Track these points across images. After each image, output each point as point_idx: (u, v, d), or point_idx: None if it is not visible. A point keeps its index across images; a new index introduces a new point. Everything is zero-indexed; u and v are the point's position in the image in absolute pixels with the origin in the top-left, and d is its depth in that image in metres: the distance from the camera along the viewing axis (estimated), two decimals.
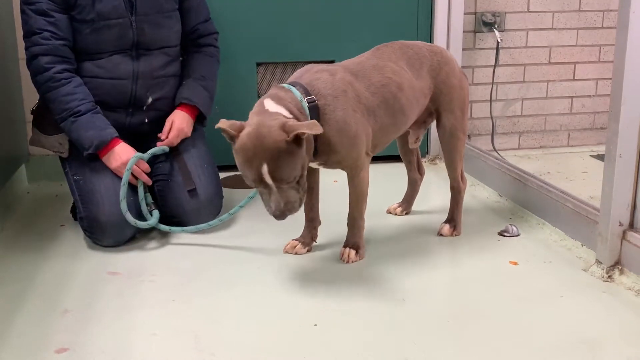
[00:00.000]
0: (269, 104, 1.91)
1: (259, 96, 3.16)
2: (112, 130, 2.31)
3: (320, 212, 2.24)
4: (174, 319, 1.80)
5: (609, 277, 1.99)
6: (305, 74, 2.03)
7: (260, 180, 1.82)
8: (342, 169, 2.09)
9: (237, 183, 3.01)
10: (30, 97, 2.71)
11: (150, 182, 2.37)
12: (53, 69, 2.26)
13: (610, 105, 1.95)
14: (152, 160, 2.41)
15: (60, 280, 2.03)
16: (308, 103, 1.93)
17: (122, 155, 2.29)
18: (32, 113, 2.45)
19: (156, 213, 2.34)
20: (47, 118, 2.37)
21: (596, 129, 3.65)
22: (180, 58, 2.60)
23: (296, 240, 2.23)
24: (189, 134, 2.47)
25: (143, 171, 2.34)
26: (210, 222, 2.37)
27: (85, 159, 2.31)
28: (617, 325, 1.75)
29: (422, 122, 2.33)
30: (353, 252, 2.14)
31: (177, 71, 2.55)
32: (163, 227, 2.34)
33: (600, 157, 3.08)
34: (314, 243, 2.25)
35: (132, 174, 2.29)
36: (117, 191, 2.24)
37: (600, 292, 1.93)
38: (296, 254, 2.20)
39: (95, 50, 2.34)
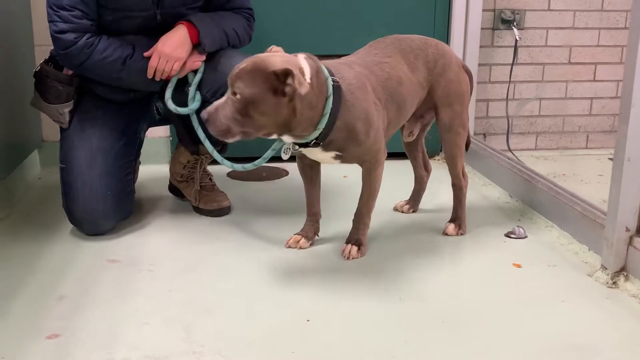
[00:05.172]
0: (300, 56, 1.90)
1: None
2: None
3: (327, 207, 2.22)
4: (167, 309, 1.80)
5: (614, 283, 1.94)
6: (324, 62, 1.98)
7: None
8: (361, 163, 2.06)
9: (249, 175, 3.01)
10: None
11: (199, 64, 2.28)
12: (81, 39, 2.17)
13: (620, 108, 1.91)
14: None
15: (59, 266, 2.04)
16: (333, 82, 1.89)
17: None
18: (34, 76, 2.37)
19: (198, 95, 2.26)
20: (47, 84, 2.32)
21: (616, 131, 3.57)
22: None
23: (299, 234, 2.21)
24: (182, 57, 2.23)
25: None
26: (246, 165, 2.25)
27: (75, 140, 2.28)
28: (617, 333, 1.71)
29: (418, 117, 2.29)
30: (355, 248, 2.11)
31: None
32: (197, 124, 2.25)
33: None
34: (317, 237, 2.23)
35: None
36: (93, 187, 2.23)
37: (603, 298, 1.89)
38: (300, 248, 2.17)
39: (115, 33, 2.27)
